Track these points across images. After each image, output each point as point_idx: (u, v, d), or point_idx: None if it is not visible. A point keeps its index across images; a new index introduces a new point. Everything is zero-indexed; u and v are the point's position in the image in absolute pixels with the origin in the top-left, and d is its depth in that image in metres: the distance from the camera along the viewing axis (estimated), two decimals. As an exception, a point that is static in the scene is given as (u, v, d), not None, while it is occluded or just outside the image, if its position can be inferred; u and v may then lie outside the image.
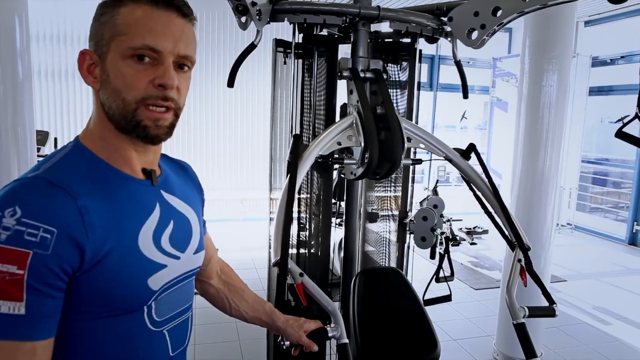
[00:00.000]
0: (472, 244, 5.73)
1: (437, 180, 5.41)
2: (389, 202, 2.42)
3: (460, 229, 5.85)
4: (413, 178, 2.19)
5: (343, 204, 2.41)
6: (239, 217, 6.40)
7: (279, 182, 2.53)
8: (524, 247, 1.65)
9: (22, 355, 0.67)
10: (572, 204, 7.26)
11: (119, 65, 0.77)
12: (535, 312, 1.54)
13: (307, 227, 2.39)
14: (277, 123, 2.33)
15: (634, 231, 6.30)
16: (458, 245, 5.69)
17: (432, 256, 2.21)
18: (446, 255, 2.26)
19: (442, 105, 7.89)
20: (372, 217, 2.51)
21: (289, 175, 1.52)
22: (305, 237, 2.39)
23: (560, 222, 6.88)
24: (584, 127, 7.05)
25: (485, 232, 5.88)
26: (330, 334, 1.28)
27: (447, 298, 2.14)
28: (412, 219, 2.10)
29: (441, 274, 2.34)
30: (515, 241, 1.66)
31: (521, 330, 1.48)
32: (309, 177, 2.32)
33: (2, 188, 0.72)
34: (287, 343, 1.21)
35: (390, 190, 2.47)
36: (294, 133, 1.98)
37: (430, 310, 1.84)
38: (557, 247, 3.89)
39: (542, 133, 3.07)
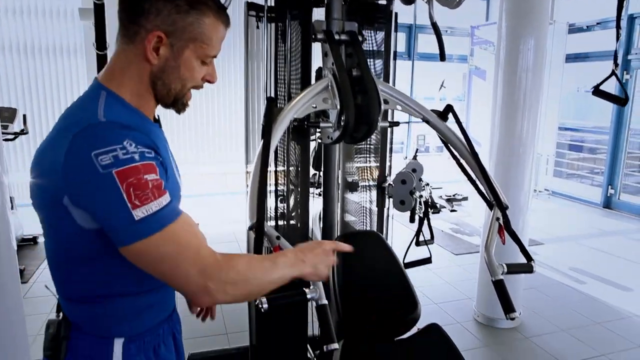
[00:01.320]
0: (452, 211, 5.79)
1: (417, 150, 5.40)
2: (368, 172, 2.40)
3: (440, 196, 5.91)
4: (391, 140, 2.18)
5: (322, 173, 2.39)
6: (220, 191, 6.34)
7: (255, 154, 2.49)
8: (502, 206, 1.66)
9: (190, 221, 0.93)
10: (550, 171, 7.37)
11: (193, 62, 1.01)
12: (514, 269, 1.56)
13: (286, 198, 2.37)
14: (252, 91, 2.28)
15: (608, 195, 6.44)
16: (438, 212, 5.74)
17: (412, 219, 2.22)
18: (426, 218, 2.27)
19: (420, 77, 7.85)
20: (352, 187, 2.50)
21: (263, 140, 1.48)
22: (284, 209, 2.37)
23: (537, 188, 6.99)
24: (561, 94, 7.11)
25: (465, 199, 5.95)
26: (309, 296, 1.26)
27: (427, 260, 2.16)
28: (391, 182, 2.09)
29: (421, 238, 2.36)
30: (494, 200, 1.67)
31: (500, 287, 1.49)
32: (285, 145, 2.29)
33: (82, 129, 0.86)
34: (265, 306, 1.20)
35: (369, 161, 2.46)
36: (267, 96, 1.93)
37: (411, 275, 1.85)
38: (535, 212, 3.96)
39: (520, 98, 3.07)
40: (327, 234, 2.15)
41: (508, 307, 1.46)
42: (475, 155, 1.71)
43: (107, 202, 0.83)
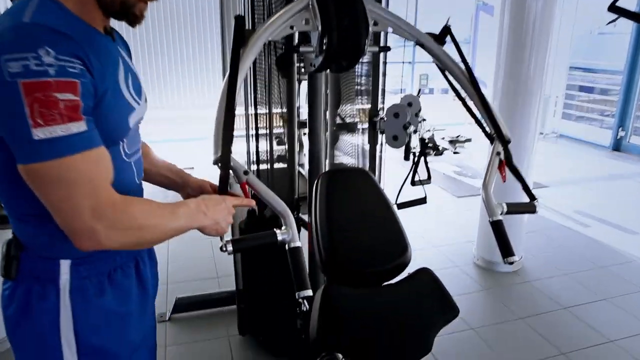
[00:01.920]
0: (455, 153, 5.62)
1: (420, 90, 5.14)
2: (361, 112, 2.21)
3: (443, 138, 5.71)
4: (384, 72, 1.97)
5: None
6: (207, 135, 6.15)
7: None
8: (503, 139, 1.48)
9: (102, 157, 0.83)
10: (558, 113, 7.10)
11: None
12: (514, 209, 1.41)
13: (268, 139, 2.20)
14: (228, 23, 2.06)
15: (618, 137, 6.21)
16: (441, 154, 5.58)
17: (407, 157, 2.05)
18: (422, 157, 2.10)
19: (424, 17, 7.44)
20: (342, 126, 2.32)
21: (230, 65, 1.29)
22: (267, 151, 2.21)
23: (544, 130, 6.75)
24: (574, 34, 6.72)
25: (468, 140, 5.75)
26: (279, 238, 1.12)
27: (422, 201, 2.01)
28: (383, 117, 1.91)
29: (417, 178, 2.20)
30: (494, 133, 1.49)
31: (498, 228, 1.35)
32: (265, 78, 2.10)
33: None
34: (230, 249, 1.06)
35: (361, 102, 2.26)
36: (235, 14, 1.72)
37: (409, 218, 1.71)
38: (540, 155, 3.76)
39: (528, 35, 2.82)
40: (313, 175, 2.00)
41: (507, 250, 1.32)
42: (474, 82, 1.52)
43: (8, 114, 0.74)
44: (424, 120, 2.17)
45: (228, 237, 1.06)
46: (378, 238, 1.54)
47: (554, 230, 3.81)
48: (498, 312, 2.70)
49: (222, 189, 1.15)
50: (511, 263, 1.32)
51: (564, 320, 2.63)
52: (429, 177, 2.27)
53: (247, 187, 1.20)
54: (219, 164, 1.18)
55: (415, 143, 2.00)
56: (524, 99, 2.93)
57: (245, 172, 1.19)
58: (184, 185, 1.25)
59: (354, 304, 1.41)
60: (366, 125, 2.22)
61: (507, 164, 1.48)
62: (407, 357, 1.34)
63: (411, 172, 2.16)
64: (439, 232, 3.76)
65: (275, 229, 1.13)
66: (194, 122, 6.04)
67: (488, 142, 1.53)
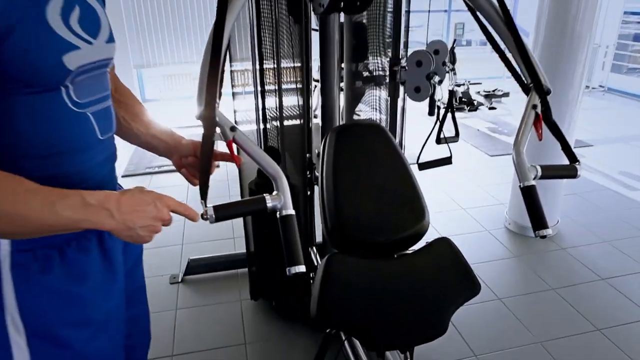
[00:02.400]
0: (490, 108, 5.27)
1: (455, 41, 4.79)
2: (378, 63, 1.98)
3: (479, 92, 5.36)
4: (408, 16, 1.73)
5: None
6: (241, 90, 5.96)
7: (238, 52, 2.11)
8: (541, 89, 1.26)
9: None
10: (607, 65, 6.55)
11: None
12: (551, 172, 1.19)
13: (278, 95, 2.01)
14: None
15: (674, 91, 5.69)
16: (475, 110, 5.25)
17: (431, 112, 1.84)
18: (449, 111, 1.88)
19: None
20: (359, 76, 2.10)
21: (217, 6, 1.11)
22: (276, 108, 2.03)
23: (591, 84, 6.27)
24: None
25: (506, 95, 5.38)
26: (269, 204, 0.97)
27: (446, 161, 1.81)
28: (404, 65, 1.69)
29: (442, 136, 1.99)
30: (531, 82, 1.27)
31: (530, 195, 1.15)
32: (274, 25, 1.89)
33: None
34: (212, 217, 0.91)
35: (380, 53, 2.02)
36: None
37: (436, 178, 1.53)
38: (585, 111, 3.42)
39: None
40: (325, 132, 1.82)
41: (539, 221, 1.13)
42: (510, 23, 1.29)
43: None
44: (452, 70, 1.94)
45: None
46: (391, 203, 1.37)
47: (596, 193, 3.52)
48: (529, 282, 2.51)
49: (206, 150, 1.00)
50: (543, 236, 1.13)
51: (601, 292, 2.42)
52: (457, 134, 2.06)
53: (233, 145, 1.05)
54: (202, 119, 1.02)
55: (440, 95, 1.78)
56: (569, 48, 2.61)
57: (233, 128, 1.03)
58: (176, 147, 1.10)
59: (360, 276, 1.26)
60: (380, 73, 2.00)
61: (544, 119, 1.26)
62: (418, 338, 1.19)
63: (436, 129, 1.95)
64: (469, 194, 3.53)
65: (265, 194, 0.98)
66: (182, 79, 5.83)
67: (518, 84, 1.31)
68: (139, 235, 0.76)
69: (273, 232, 2.16)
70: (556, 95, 2.71)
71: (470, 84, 5.32)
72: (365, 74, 1.93)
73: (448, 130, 1.99)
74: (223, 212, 0.94)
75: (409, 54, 1.79)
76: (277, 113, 1.93)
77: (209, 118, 1.00)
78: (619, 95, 6.31)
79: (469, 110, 5.18)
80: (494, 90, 5.42)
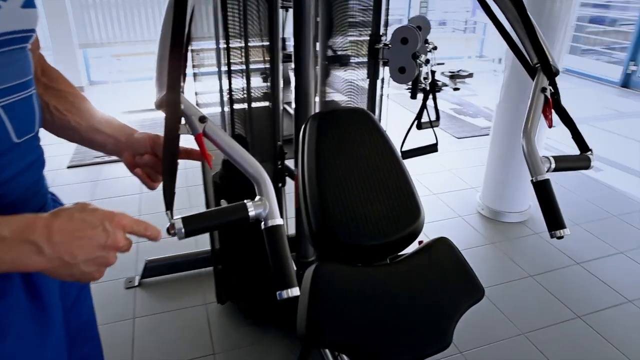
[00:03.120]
0: (455, 89, 5.21)
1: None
2: (358, 45, 1.80)
3: (443, 73, 5.28)
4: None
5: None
6: (196, 70, 5.62)
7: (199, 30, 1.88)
8: (550, 70, 1.12)
9: None
10: (565, 46, 6.62)
11: None
12: (565, 164, 1.07)
13: (245, 76, 1.80)
14: None
15: (628, 72, 5.81)
16: (440, 91, 5.17)
17: (414, 95, 1.69)
18: (431, 93, 1.74)
19: None
20: (336, 59, 1.92)
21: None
22: (244, 89, 1.82)
23: (549, 65, 6.31)
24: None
25: (470, 75, 5.33)
26: (252, 212, 0.79)
27: (432, 148, 1.68)
28: (387, 42, 1.52)
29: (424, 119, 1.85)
30: (538, 62, 1.13)
31: (543, 190, 1.02)
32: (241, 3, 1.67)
33: None
34: (182, 231, 0.72)
35: (360, 34, 1.84)
36: None
37: (406, 162, 1.37)
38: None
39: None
40: (300, 117, 1.64)
41: (556, 221, 1.00)
42: (516, -3, 1.14)
43: None
44: (434, 48, 1.78)
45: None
46: (383, 200, 1.21)
47: (561, 175, 3.51)
48: (506, 270, 2.44)
49: (170, 146, 0.80)
50: (560, 237, 1.01)
51: (577, 277, 2.38)
52: (438, 117, 1.92)
53: (204, 140, 0.85)
54: (164, 107, 0.82)
55: (427, 76, 1.63)
56: (547, 26, 2.54)
57: (202, 119, 0.84)
58: (128, 143, 0.86)
59: (354, 287, 1.09)
60: (360, 60, 1.83)
61: (554, 105, 1.13)
62: (423, 354, 1.05)
63: (420, 113, 1.80)
64: (440, 178, 3.44)
65: (246, 201, 0.79)
66: (129, 60, 5.47)
67: (521, 64, 1.18)
68: (82, 273, 0.56)
69: (242, 229, 1.96)
70: (511, 76, 2.65)
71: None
72: (342, 52, 1.75)
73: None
74: (194, 225, 0.75)
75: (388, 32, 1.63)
76: (245, 96, 1.73)
77: (174, 105, 0.80)
78: (575, 76, 6.40)
79: (437, 92, 5.09)
80: (458, 71, 5.35)
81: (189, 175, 2.72)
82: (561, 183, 3.38)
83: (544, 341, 1.96)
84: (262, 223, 0.80)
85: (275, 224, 0.80)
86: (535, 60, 1.15)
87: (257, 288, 1.96)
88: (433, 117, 1.88)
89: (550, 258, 2.53)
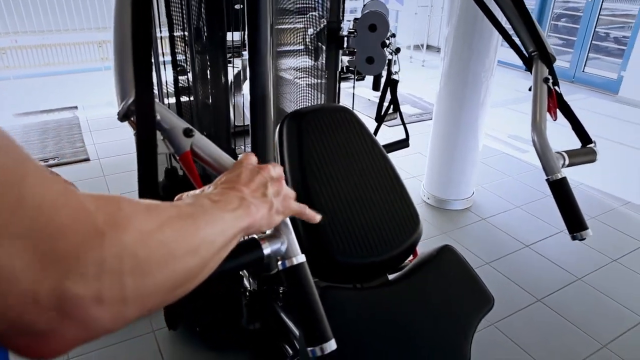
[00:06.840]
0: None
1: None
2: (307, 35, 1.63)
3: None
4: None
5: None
6: (100, 65, 5.12)
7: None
8: (548, 57, 1.04)
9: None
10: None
11: None
12: (576, 159, 0.99)
13: (191, 67, 1.58)
14: None
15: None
16: (363, 79, 5.13)
17: (376, 87, 1.56)
18: (391, 84, 1.63)
19: None
20: (290, 53, 1.74)
21: None
22: (188, 82, 1.61)
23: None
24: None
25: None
26: (266, 250, 0.62)
27: (404, 143, 1.58)
28: (353, 28, 1.37)
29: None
30: (536, 51, 1.05)
31: (561, 190, 0.93)
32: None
33: None
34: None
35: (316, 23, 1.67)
36: None
37: None
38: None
39: None
40: (257, 118, 1.44)
41: (577, 221, 0.92)
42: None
43: None
44: (393, 35, 1.67)
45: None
46: (379, 210, 1.07)
47: (494, 158, 3.61)
48: (461, 258, 2.43)
49: (146, 170, 0.61)
50: (582, 239, 0.94)
51: (529, 260, 2.42)
52: (396, 108, 1.82)
53: (191, 159, 0.66)
54: (135, 117, 0.62)
55: (398, 67, 1.51)
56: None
57: (189, 132, 0.65)
58: None
59: (363, 314, 0.95)
60: (302, 47, 1.67)
61: (555, 93, 1.05)
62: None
63: (380, 105, 1.68)
64: (380, 168, 3.39)
65: (258, 236, 0.62)
66: (74, 49, 4.98)
67: (515, 53, 1.09)
68: (278, 214, 0.56)
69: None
70: (473, 63, 2.64)
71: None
72: (298, 40, 1.58)
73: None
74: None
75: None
76: (192, 88, 1.50)
77: (146, 115, 0.60)
78: (505, 67, 6.67)
79: (357, 80, 5.05)
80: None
81: (110, 184, 2.41)
82: (496, 167, 3.46)
83: (512, 329, 1.96)
84: (280, 263, 0.63)
85: (299, 262, 0.63)
86: (531, 49, 1.07)
87: (214, 308, 1.74)
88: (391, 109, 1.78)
89: (502, 243, 2.56)
